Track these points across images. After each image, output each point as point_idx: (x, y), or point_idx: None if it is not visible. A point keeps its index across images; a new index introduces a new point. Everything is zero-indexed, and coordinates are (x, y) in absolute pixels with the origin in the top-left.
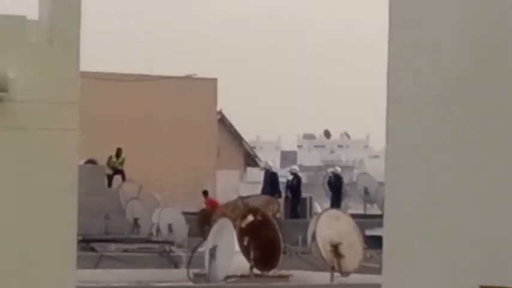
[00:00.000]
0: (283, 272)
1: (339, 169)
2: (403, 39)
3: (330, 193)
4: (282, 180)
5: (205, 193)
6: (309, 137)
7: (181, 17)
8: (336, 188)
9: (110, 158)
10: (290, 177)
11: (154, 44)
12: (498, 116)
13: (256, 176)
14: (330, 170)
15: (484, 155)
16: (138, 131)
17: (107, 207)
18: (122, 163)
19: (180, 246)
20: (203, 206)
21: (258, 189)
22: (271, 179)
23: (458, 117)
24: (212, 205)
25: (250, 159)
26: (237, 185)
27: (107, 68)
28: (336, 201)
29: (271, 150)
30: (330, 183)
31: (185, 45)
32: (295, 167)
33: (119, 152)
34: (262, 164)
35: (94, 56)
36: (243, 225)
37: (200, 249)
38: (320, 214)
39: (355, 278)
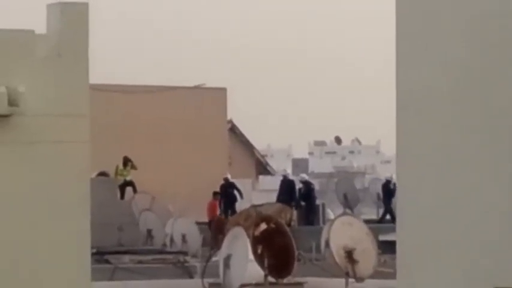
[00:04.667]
0: (298, 279)
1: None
2: (410, 45)
3: (382, 200)
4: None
5: (215, 194)
6: (320, 144)
7: (190, 26)
8: (389, 196)
9: (117, 167)
10: (301, 186)
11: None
12: (507, 119)
13: (268, 184)
14: (386, 176)
15: (494, 157)
16: (149, 143)
17: (120, 219)
18: (129, 171)
19: (194, 256)
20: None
21: (270, 197)
22: (288, 186)
23: (466, 122)
24: (211, 208)
25: (262, 168)
26: (250, 194)
27: (116, 80)
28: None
29: (282, 158)
30: (384, 190)
31: (194, 55)
32: (304, 175)
33: (125, 161)
34: (278, 172)
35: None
36: (257, 233)
37: (214, 259)
38: (333, 220)
39: (370, 284)
